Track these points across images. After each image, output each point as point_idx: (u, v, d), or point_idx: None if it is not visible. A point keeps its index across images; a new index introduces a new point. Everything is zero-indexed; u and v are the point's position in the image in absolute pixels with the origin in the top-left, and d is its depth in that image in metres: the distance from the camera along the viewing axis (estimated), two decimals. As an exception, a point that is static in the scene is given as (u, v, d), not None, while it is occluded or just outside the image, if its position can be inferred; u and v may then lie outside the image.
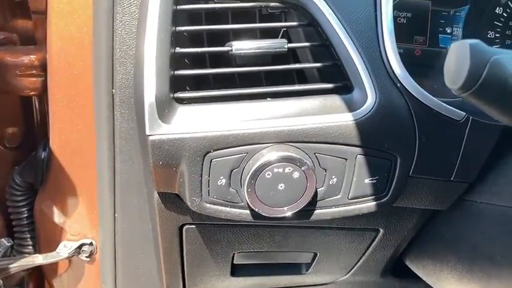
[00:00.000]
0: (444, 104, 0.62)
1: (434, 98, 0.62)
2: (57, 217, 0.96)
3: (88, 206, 0.93)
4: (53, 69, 0.83)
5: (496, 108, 0.42)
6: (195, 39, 0.64)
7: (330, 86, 0.62)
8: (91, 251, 0.93)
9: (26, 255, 0.95)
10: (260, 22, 0.65)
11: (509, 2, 0.83)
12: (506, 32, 0.84)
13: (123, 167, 0.77)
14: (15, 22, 0.97)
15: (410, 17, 0.82)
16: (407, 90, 0.62)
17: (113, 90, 0.73)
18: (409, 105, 0.62)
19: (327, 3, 0.62)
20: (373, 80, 0.61)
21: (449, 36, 0.84)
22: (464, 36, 0.84)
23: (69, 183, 0.93)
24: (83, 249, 0.93)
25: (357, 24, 0.62)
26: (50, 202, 0.97)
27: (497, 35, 0.84)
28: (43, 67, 0.89)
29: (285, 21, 0.66)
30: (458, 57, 0.41)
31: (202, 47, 0.64)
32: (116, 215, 0.84)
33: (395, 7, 0.81)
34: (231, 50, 0.60)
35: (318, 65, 0.62)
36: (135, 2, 0.67)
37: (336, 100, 0.61)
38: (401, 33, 0.81)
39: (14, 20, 0.96)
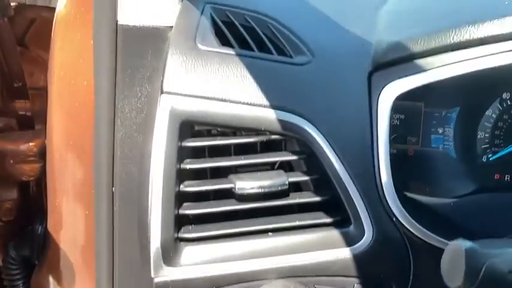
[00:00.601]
0: (439, 238, 0.65)
1: (429, 232, 0.65)
2: (55, 291, 0.97)
3: (86, 282, 0.94)
4: (52, 157, 0.84)
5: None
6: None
7: (329, 220, 0.64)
8: (88, 325, 0.94)
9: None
10: (261, 149, 0.67)
11: (498, 105, 0.86)
12: (495, 132, 0.87)
13: (122, 257, 0.78)
14: (14, 105, 0.97)
15: (404, 119, 0.85)
16: (403, 224, 0.64)
17: (113, 188, 0.74)
18: (405, 239, 0.65)
19: (324, 137, 0.64)
20: (370, 216, 0.63)
21: (441, 136, 0.87)
22: (456, 136, 0.87)
23: (67, 261, 0.94)
24: (79, 324, 0.94)
25: (354, 159, 0.64)
26: (48, 276, 0.98)
27: (486, 135, 0.87)
28: (41, 153, 0.90)
29: (285, 147, 0.68)
30: (453, 260, 0.43)
31: (205, 178, 0.66)
32: None
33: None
34: (234, 188, 0.62)
35: (317, 199, 0.65)
36: (135, 107, 0.69)
37: (334, 234, 0.64)
38: (394, 134, 0.84)
39: (13, 103, 0.97)
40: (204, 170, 0.65)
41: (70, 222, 0.89)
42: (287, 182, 0.63)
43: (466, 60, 0.65)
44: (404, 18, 0.73)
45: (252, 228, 0.62)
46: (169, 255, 0.59)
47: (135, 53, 0.67)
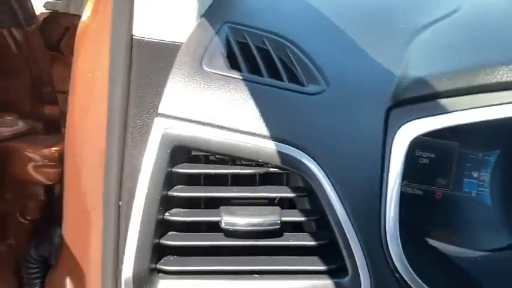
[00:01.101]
0: None
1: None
2: (68, 292, 0.97)
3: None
4: (68, 163, 0.84)
5: None
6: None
7: (323, 268, 0.58)
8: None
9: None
10: (262, 180, 0.62)
11: (545, 151, 0.77)
12: (539, 182, 0.77)
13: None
14: (42, 109, 0.99)
15: (434, 158, 0.77)
16: (406, 282, 0.57)
17: (120, 203, 0.72)
18: (407, 299, 0.58)
19: (326, 174, 0.58)
20: (369, 268, 0.57)
21: (476, 181, 0.78)
22: (493, 182, 0.78)
23: (79, 267, 0.94)
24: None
25: (358, 202, 0.58)
26: (61, 278, 0.98)
27: (528, 184, 0.77)
28: (62, 158, 0.90)
29: (288, 181, 0.63)
30: None
31: (198, 204, 0.62)
32: None
33: (418, 147, 0.76)
34: (221, 223, 0.58)
35: (313, 243, 0.59)
36: (146, 123, 0.67)
37: (327, 284, 0.58)
38: (422, 174, 0.77)
39: (41, 107, 0.98)
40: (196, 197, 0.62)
41: (83, 229, 0.89)
42: (279, 222, 0.58)
43: (495, 104, 0.57)
44: (436, 53, 0.65)
45: (238, 268, 0.58)
46: (141, 287, 0.56)
47: (149, 67, 0.65)
